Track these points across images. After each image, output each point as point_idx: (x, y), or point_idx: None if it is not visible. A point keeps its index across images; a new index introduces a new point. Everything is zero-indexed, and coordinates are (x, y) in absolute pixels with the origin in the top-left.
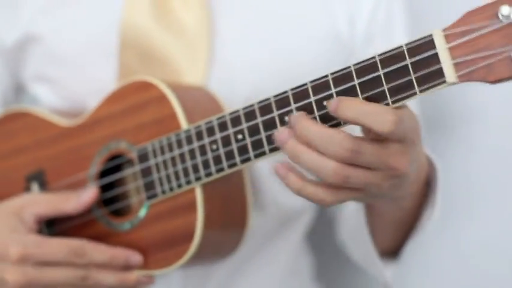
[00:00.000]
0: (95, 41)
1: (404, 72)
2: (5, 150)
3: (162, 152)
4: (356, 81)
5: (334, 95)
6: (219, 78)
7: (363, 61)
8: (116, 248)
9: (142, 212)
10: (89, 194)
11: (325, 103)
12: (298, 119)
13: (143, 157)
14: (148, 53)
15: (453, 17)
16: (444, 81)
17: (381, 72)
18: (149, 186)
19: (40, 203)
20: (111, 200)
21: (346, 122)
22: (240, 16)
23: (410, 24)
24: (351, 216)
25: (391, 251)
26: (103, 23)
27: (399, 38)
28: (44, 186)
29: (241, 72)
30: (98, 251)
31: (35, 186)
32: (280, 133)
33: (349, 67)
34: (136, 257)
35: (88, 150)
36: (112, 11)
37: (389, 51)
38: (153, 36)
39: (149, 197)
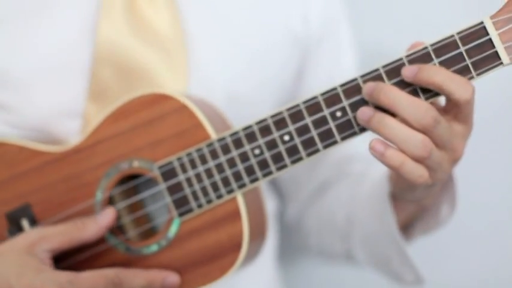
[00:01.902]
0: (58, 59)
1: (459, 58)
2: None
3: (194, 165)
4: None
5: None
6: (197, 83)
7: (414, 52)
8: (151, 271)
9: (172, 231)
10: (108, 216)
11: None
12: (387, 88)
13: (169, 173)
14: (127, 67)
15: None
16: (501, 63)
17: (435, 61)
18: (181, 203)
19: (52, 236)
20: (120, 227)
21: (428, 87)
22: (208, 18)
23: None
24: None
25: None
26: (69, 40)
27: (344, 39)
28: (34, 223)
29: (218, 76)
30: (134, 277)
31: (25, 223)
32: (365, 110)
33: (401, 59)
34: (173, 278)
35: (90, 176)
36: (79, 26)
37: (441, 40)
38: (131, 50)
39: (181, 214)
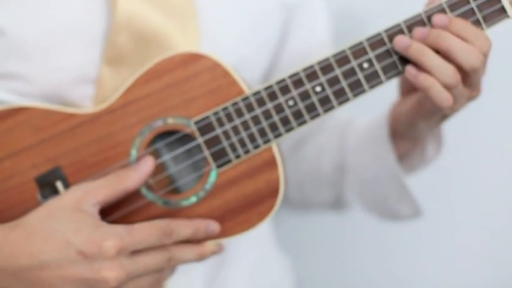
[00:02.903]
0: (73, 25)
1: (471, 13)
2: (5, 152)
3: (230, 119)
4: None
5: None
6: (208, 48)
7: (432, 8)
8: (195, 220)
9: (210, 182)
10: (147, 163)
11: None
12: (443, 32)
13: (206, 128)
14: (142, 34)
15: None
16: (507, 17)
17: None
18: (219, 155)
19: (96, 190)
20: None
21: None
22: None
23: None
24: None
25: None
26: (84, 5)
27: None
28: (66, 186)
29: (227, 45)
30: (182, 226)
31: (59, 185)
32: (402, 38)
33: (420, 14)
34: (215, 226)
35: (124, 135)
36: None
37: None
38: (146, 17)
39: (220, 165)
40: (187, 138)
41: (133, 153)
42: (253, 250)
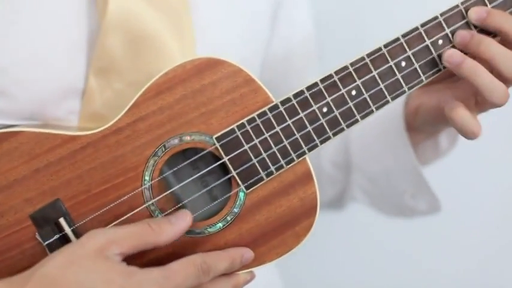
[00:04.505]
0: (52, 33)
1: (509, 3)
2: None
3: (258, 132)
4: (467, 19)
5: (449, 34)
6: (204, 52)
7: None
8: (230, 250)
9: (238, 204)
10: (185, 219)
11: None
12: (486, 39)
13: (230, 144)
14: (136, 36)
15: None
16: None
17: (489, 6)
18: (247, 174)
19: (123, 239)
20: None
21: (495, 32)
22: None
23: None
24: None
25: None
26: (66, 13)
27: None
28: (70, 222)
29: (222, 42)
30: (218, 260)
31: (63, 223)
32: (463, 33)
33: (458, 5)
34: (249, 253)
35: (135, 158)
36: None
37: None
38: (141, 17)
39: (249, 185)
40: (206, 157)
41: (147, 178)
42: None
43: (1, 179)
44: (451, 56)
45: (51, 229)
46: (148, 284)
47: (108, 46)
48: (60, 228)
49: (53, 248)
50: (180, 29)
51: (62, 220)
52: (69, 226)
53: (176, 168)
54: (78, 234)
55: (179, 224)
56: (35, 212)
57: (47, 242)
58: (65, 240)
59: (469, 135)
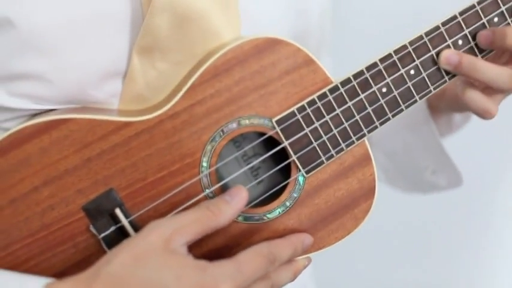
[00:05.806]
0: (93, 14)
1: None
2: (42, 178)
3: (319, 114)
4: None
5: (486, 23)
6: (249, 32)
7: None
8: (291, 237)
9: (298, 189)
10: (241, 195)
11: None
12: (479, 63)
13: (290, 128)
14: (183, 15)
15: None
16: None
17: (503, 8)
18: (307, 158)
19: (186, 227)
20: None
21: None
22: None
23: None
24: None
25: None
26: None
27: None
28: (126, 212)
29: (264, 22)
30: (282, 248)
31: (120, 214)
32: (452, 55)
33: (474, 6)
34: (309, 239)
35: (191, 143)
36: None
37: None
38: None
39: (310, 170)
40: (263, 140)
41: (205, 165)
42: None
43: (51, 169)
44: (448, 58)
45: (107, 221)
46: (223, 278)
47: (155, 25)
48: (116, 220)
49: (108, 240)
50: (226, 10)
51: (118, 211)
52: (126, 217)
53: (238, 153)
54: (134, 225)
55: (236, 201)
56: (88, 203)
57: (102, 235)
58: (120, 232)
59: (485, 115)
